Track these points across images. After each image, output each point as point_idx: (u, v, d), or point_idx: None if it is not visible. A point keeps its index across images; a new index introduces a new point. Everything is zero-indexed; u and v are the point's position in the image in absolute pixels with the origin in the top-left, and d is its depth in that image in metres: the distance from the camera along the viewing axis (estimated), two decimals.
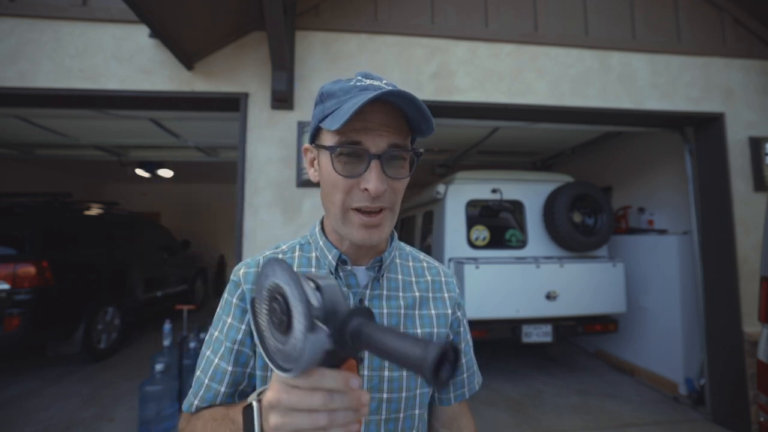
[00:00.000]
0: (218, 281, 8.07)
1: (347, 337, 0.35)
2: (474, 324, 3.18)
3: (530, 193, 3.63)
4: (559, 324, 3.28)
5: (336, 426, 0.36)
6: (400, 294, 0.68)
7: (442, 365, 0.29)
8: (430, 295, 0.70)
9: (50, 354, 3.69)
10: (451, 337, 0.70)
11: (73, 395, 3.24)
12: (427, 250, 4.00)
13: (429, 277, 0.72)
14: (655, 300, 3.57)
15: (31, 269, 3.29)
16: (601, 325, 3.38)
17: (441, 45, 2.67)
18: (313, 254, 0.68)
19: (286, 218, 2.44)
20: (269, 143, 2.47)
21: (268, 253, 0.69)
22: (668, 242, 3.43)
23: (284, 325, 0.36)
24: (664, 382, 3.40)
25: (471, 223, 3.52)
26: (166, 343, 2.94)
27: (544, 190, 3.62)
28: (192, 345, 2.93)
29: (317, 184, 0.64)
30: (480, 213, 3.69)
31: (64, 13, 2.41)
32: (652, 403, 3.16)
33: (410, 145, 0.61)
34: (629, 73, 2.81)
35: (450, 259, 3.42)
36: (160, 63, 2.44)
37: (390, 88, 0.53)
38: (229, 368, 0.60)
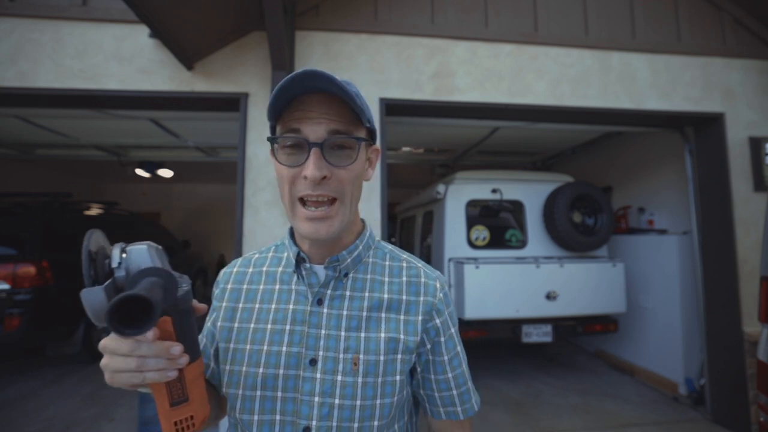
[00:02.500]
0: None
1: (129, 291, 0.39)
2: (474, 324, 3.18)
3: (530, 193, 3.63)
4: (559, 324, 3.28)
5: (148, 371, 0.43)
6: (366, 294, 0.64)
7: (127, 316, 0.35)
8: (404, 297, 0.65)
9: (50, 354, 3.69)
10: (428, 346, 0.65)
11: (73, 395, 3.24)
12: (427, 250, 4.00)
13: (405, 278, 0.67)
14: (655, 300, 3.57)
15: (31, 269, 3.29)
16: (601, 325, 3.38)
17: (441, 45, 2.67)
18: (285, 254, 0.69)
19: (286, 218, 2.44)
20: (269, 143, 2.47)
21: (248, 254, 0.74)
22: (668, 242, 3.43)
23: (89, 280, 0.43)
24: (664, 382, 3.40)
25: (471, 223, 3.53)
26: None
27: (544, 190, 3.62)
28: None
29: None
30: (480, 213, 3.70)
31: (64, 13, 2.41)
32: (652, 403, 3.16)
33: (361, 133, 0.60)
34: (629, 73, 2.81)
35: (450, 259, 3.42)
36: (160, 63, 2.44)
37: (311, 69, 0.53)
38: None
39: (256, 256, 0.73)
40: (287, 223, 2.43)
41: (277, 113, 0.57)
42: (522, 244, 3.55)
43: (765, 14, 2.94)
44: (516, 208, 3.65)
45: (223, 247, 8.86)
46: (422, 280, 0.67)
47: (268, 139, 0.60)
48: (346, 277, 0.65)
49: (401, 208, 5.91)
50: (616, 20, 2.87)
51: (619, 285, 3.37)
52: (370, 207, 2.47)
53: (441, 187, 3.64)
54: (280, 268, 0.68)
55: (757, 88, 2.94)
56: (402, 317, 0.64)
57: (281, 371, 0.59)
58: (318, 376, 0.59)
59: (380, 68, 2.60)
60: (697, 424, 2.82)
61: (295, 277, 0.66)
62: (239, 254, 2.39)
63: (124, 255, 0.43)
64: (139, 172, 6.18)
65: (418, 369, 0.66)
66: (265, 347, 0.61)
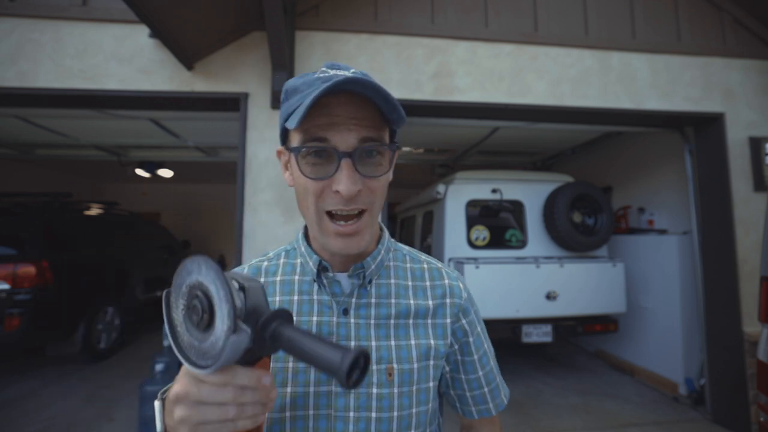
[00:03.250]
0: None
1: (266, 338, 0.36)
2: None
3: (530, 193, 3.63)
4: (559, 324, 3.28)
5: (246, 417, 0.37)
6: (392, 301, 0.61)
7: (353, 369, 0.32)
8: (430, 302, 0.63)
9: (50, 354, 3.69)
10: (456, 347, 0.64)
11: (73, 395, 3.24)
12: (427, 250, 4.00)
13: (428, 282, 0.65)
14: (655, 300, 3.57)
15: (31, 269, 3.29)
16: (601, 325, 3.38)
17: (441, 45, 2.67)
18: (298, 260, 0.65)
19: (286, 218, 2.44)
20: (269, 143, 2.47)
21: (254, 261, 0.68)
22: (668, 242, 3.43)
23: (204, 323, 0.36)
24: (664, 382, 3.40)
25: (471, 223, 3.52)
26: (166, 343, 2.93)
27: (544, 190, 3.61)
28: None
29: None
30: (480, 213, 3.70)
31: (64, 13, 2.41)
32: (652, 403, 3.16)
33: (388, 139, 0.55)
34: (629, 73, 2.81)
35: (450, 259, 3.42)
36: (160, 63, 2.44)
37: (352, 75, 0.47)
38: None
39: (265, 263, 0.67)
40: (287, 223, 2.43)
41: (301, 119, 0.48)
42: (522, 244, 3.55)
43: (765, 14, 2.94)
44: (516, 208, 3.65)
45: (223, 247, 8.86)
46: (446, 282, 0.65)
47: (291, 149, 0.53)
48: (370, 283, 0.61)
49: (401, 208, 5.91)
50: (616, 20, 2.87)
51: (619, 285, 3.37)
52: None
53: (441, 187, 3.64)
54: (297, 277, 0.63)
55: (757, 88, 2.94)
56: (430, 321, 0.62)
57: (311, 389, 0.56)
58: (352, 390, 0.58)
59: (380, 68, 2.60)
60: (697, 424, 2.82)
61: (315, 287, 0.61)
62: (239, 254, 2.38)
63: (242, 293, 0.38)
64: (139, 172, 6.18)
65: (447, 369, 0.65)
66: (291, 364, 0.57)
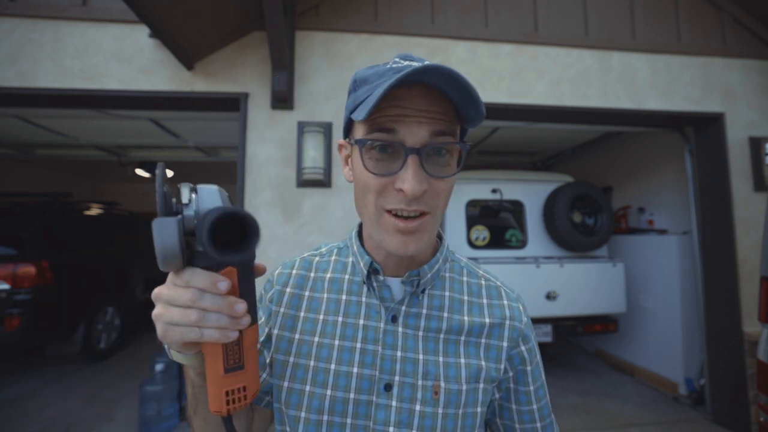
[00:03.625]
0: None
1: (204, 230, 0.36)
2: None
3: (530, 193, 3.63)
4: (559, 324, 3.28)
5: (208, 327, 0.38)
6: (445, 314, 0.57)
7: (235, 231, 0.32)
8: (486, 320, 0.58)
9: (50, 354, 3.69)
10: (510, 374, 0.59)
11: (73, 395, 3.24)
12: None
13: (485, 300, 0.60)
14: (655, 300, 3.57)
15: (31, 269, 3.29)
16: (601, 325, 3.38)
17: (441, 45, 2.67)
18: (350, 259, 0.62)
19: (286, 218, 2.44)
20: (269, 143, 2.47)
21: (306, 254, 0.66)
22: (668, 242, 3.43)
23: None
24: (664, 382, 3.40)
25: (471, 223, 3.52)
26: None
27: (544, 190, 3.61)
28: None
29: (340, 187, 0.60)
30: (480, 213, 3.69)
31: (64, 13, 2.41)
32: (652, 403, 3.16)
33: (459, 137, 0.51)
34: (629, 73, 2.81)
35: None
36: (160, 63, 2.44)
37: (427, 64, 0.43)
38: None
39: (317, 258, 0.65)
40: (287, 223, 2.43)
41: (371, 110, 0.45)
42: (522, 244, 3.55)
43: (765, 14, 2.94)
44: (516, 208, 3.65)
45: None
46: (505, 302, 0.61)
47: (355, 141, 0.50)
48: (423, 293, 0.58)
49: None
50: (616, 20, 2.87)
51: (619, 285, 3.37)
52: None
53: None
54: (347, 276, 0.61)
55: (757, 88, 2.94)
56: (483, 341, 0.57)
57: (352, 395, 0.53)
58: (394, 403, 0.52)
59: None
60: (697, 424, 2.82)
61: (365, 288, 0.59)
62: None
63: (193, 195, 0.39)
64: (139, 172, 6.19)
65: (497, 396, 0.60)
66: (333, 366, 0.54)
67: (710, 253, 2.94)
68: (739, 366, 2.68)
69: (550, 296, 3.20)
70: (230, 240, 0.33)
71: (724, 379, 2.80)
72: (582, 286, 3.28)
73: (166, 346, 0.44)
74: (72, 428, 2.72)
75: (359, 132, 0.50)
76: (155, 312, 0.39)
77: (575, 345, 4.73)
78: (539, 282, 3.21)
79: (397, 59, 0.50)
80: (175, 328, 0.38)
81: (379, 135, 0.47)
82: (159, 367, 2.67)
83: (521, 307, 0.61)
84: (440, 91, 0.46)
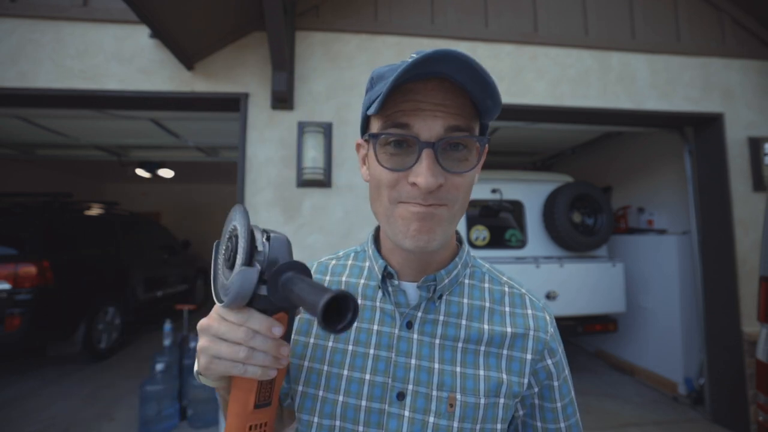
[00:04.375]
0: None
1: (279, 285, 0.37)
2: None
3: (530, 193, 3.63)
4: (558, 324, 3.27)
5: (253, 364, 0.39)
6: (463, 322, 0.54)
7: (340, 313, 0.33)
8: (508, 330, 0.54)
9: (50, 354, 3.69)
10: (535, 390, 0.55)
11: (73, 395, 3.25)
12: None
13: (508, 308, 0.57)
14: (654, 300, 3.57)
15: (31, 269, 3.29)
16: (601, 324, 3.38)
17: (441, 45, 2.67)
18: (366, 264, 0.61)
19: (286, 218, 2.45)
20: (269, 143, 2.47)
21: (324, 258, 0.66)
22: (668, 242, 3.43)
23: (231, 261, 0.40)
24: (663, 382, 3.40)
25: (471, 223, 3.53)
26: (167, 343, 2.94)
27: (544, 190, 3.62)
28: (192, 345, 2.93)
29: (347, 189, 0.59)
30: (480, 213, 3.70)
31: (64, 14, 2.42)
32: (652, 403, 3.17)
33: (478, 131, 0.49)
34: (629, 74, 2.81)
35: None
36: (160, 63, 2.45)
37: (441, 50, 0.41)
38: None
39: (333, 262, 0.64)
40: (287, 223, 2.43)
41: (381, 104, 0.45)
42: (522, 244, 3.55)
43: (764, 14, 2.95)
44: (516, 208, 3.66)
45: None
46: (529, 311, 0.57)
47: (370, 135, 0.48)
48: (440, 299, 0.55)
49: None
50: (615, 20, 2.88)
51: (619, 285, 3.37)
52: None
53: None
54: (362, 280, 0.59)
55: (757, 88, 2.95)
56: (505, 352, 0.54)
57: (363, 402, 0.52)
58: (406, 413, 0.50)
59: None
60: (697, 424, 2.83)
61: (380, 293, 0.57)
62: None
63: (266, 242, 0.40)
64: (139, 172, 6.19)
65: (521, 412, 0.56)
66: (346, 372, 0.53)
67: (710, 253, 2.94)
68: (738, 366, 2.68)
69: (549, 296, 3.20)
70: (332, 314, 0.34)
71: (723, 379, 2.80)
72: (582, 286, 3.29)
73: (196, 370, 0.46)
74: (72, 428, 2.73)
75: (374, 127, 0.50)
76: (201, 344, 0.41)
77: (575, 345, 4.73)
78: (539, 282, 3.22)
79: (413, 55, 0.48)
80: (219, 362, 0.40)
81: (393, 130, 0.46)
82: (159, 367, 2.67)
83: (547, 318, 0.58)
84: (456, 84, 0.45)
